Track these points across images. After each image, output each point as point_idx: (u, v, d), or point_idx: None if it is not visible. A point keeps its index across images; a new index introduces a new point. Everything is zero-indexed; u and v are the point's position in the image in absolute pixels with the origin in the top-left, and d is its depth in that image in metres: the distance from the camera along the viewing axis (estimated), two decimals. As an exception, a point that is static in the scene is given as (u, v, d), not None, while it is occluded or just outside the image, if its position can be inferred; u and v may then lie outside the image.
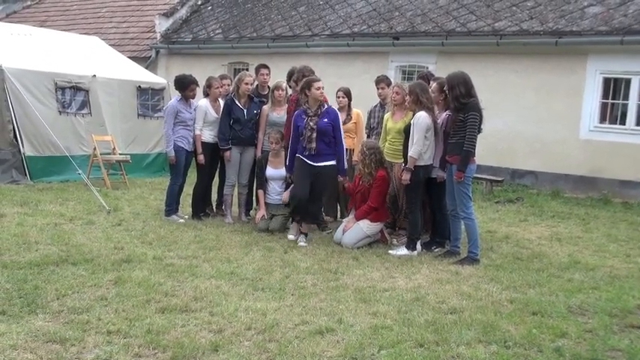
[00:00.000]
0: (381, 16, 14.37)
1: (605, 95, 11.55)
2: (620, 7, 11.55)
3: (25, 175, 9.99)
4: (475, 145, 6.22)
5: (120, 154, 11.01)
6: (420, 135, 6.42)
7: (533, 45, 11.88)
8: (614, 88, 11.54)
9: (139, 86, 12.11)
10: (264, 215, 7.47)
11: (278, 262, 5.94)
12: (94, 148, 10.46)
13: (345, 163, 7.08)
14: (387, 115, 7.23)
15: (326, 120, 6.80)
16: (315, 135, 6.74)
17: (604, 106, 11.60)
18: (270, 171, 7.56)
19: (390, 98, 7.17)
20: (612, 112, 11.64)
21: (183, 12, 18.23)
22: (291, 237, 7.01)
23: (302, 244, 6.80)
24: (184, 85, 7.80)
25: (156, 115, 12.32)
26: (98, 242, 6.38)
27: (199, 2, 18.70)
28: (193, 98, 7.91)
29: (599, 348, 4.11)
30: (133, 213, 8.11)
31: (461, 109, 6.19)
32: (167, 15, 17.91)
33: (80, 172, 9.24)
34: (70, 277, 5.12)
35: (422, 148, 6.44)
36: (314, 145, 6.74)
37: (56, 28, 16.25)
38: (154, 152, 12.30)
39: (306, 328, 4.23)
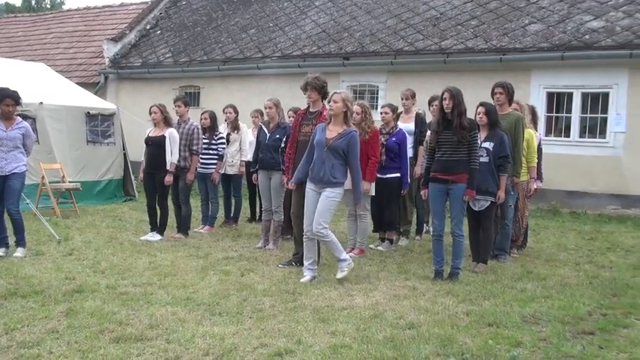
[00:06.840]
0: (330, 37, 14.55)
1: (549, 109, 11.95)
2: (559, 25, 12.00)
3: (-31, 206, 9.65)
4: None
5: (69, 181, 10.77)
6: None
7: (479, 62, 12.21)
8: (557, 102, 11.94)
9: (88, 112, 11.90)
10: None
11: (235, 286, 5.88)
12: (42, 177, 10.21)
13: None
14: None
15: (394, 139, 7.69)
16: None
17: (549, 120, 11.99)
18: None
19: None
20: (557, 125, 12.03)
21: (131, 36, 18.08)
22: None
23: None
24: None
25: (106, 141, 12.12)
26: (48, 273, 6.19)
27: (148, 27, 18.58)
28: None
29: (553, 355, 4.20)
30: (85, 242, 7.93)
31: (463, 126, 6.08)
32: (115, 40, 17.73)
33: (28, 201, 8.97)
34: (19, 310, 4.95)
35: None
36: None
37: (1, 55, 15.89)
38: (105, 179, 12.08)
39: (265, 351, 4.19)
